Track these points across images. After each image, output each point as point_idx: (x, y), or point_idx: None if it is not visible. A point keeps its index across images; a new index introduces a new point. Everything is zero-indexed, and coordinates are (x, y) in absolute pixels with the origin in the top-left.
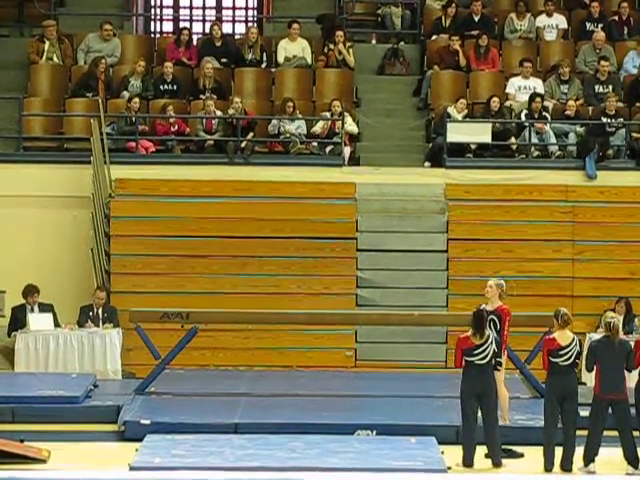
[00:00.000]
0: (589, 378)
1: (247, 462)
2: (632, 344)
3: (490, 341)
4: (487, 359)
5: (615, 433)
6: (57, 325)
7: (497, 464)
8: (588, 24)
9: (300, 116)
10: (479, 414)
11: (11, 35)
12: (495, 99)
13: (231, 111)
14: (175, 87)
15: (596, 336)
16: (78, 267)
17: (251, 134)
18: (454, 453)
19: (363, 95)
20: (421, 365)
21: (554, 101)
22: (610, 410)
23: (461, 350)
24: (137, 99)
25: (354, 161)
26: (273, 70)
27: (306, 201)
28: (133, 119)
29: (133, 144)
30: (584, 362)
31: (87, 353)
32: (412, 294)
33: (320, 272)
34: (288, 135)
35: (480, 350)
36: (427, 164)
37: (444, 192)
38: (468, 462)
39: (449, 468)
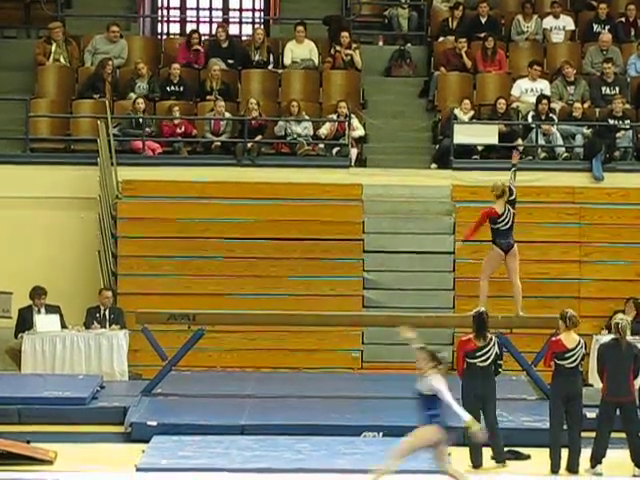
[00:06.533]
0: (595, 380)
1: (254, 463)
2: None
3: (493, 343)
4: (489, 361)
5: (622, 435)
6: (64, 326)
7: (501, 463)
8: (595, 25)
9: (307, 117)
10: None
11: (18, 37)
12: (502, 101)
13: (254, 113)
14: (182, 88)
15: (603, 338)
16: (85, 268)
17: (259, 136)
18: (460, 455)
19: (370, 97)
20: None
21: (562, 103)
22: (618, 412)
23: (463, 353)
24: (141, 100)
25: (361, 162)
26: (280, 72)
27: (313, 202)
28: (140, 120)
29: (138, 144)
30: (595, 366)
31: (94, 354)
32: (419, 296)
33: (327, 273)
34: (295, 136)
35: (482, 352)
36: (434, 165)
37: (451, 193)
38: (477, 463)
39: None
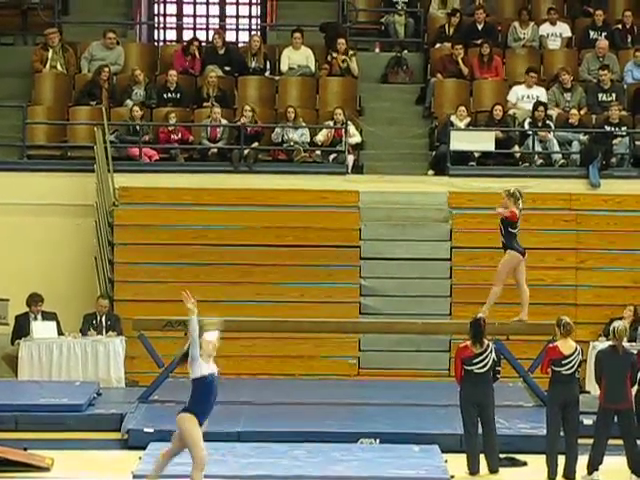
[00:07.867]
0: (592, 387)
1: (250, 470)
2: (635, 353)
3: (490, 350)
4: (486, 368)
5: (619, 442)
6: (60, 333)
7: (494, 471)
8: (592, 32)
9: (303, 124)
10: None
11: (15, 43)
12: (498, 107)
13: (244, 119)
14: (178, 95)
15: (600, 345)
16: (82, 275)
17: (256, 143)
18: (457, 461)
19: (366, 103)
20: (424, 373)
21: (559, 110)
22: (615, 419)
23: (461, 360)
24: (138, 107)
25: (357, 169)
26: (277, 78)
27: (309, 209)
28: (137, 127)
29: (135, 151)
30: (592, 374)
31: (90, 361)
32: (415, 302)
33: (323, 280)
34: (292, 143)
35: (480, 359)
36: (430, 172)
37: (447, 200)
38: (474, 470)
39: (452, 476)
